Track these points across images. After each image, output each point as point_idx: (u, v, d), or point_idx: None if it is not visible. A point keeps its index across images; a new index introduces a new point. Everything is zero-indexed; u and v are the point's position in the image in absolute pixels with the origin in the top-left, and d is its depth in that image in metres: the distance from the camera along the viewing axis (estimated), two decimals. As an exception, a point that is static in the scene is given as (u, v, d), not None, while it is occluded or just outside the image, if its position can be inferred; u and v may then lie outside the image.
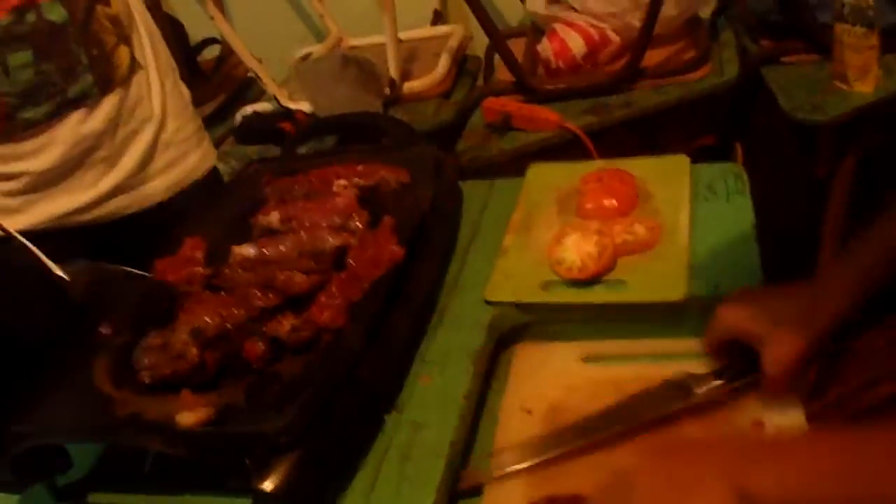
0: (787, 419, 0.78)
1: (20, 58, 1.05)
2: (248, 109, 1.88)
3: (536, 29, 1.87)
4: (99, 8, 1.13)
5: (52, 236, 1.14)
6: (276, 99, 1.87)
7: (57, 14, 1.07)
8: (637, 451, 0.67)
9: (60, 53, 1.08)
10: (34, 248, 0.87)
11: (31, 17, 1.04)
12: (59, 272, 0.85)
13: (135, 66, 1.19)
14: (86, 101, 1.12)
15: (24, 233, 1.11)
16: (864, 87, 1.46)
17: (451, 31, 2.06)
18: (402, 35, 1.89)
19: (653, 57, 1.66)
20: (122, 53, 1.17)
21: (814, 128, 1.47)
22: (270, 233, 1.03)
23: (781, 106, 1.48)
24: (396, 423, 0.83)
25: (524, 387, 0.90)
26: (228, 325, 0.83)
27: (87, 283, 0.85)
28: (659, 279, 0.94)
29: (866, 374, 0.87)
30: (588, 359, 0.92)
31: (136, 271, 0.92)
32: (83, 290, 0.85)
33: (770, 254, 0.98)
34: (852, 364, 0.90)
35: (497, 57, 1.78)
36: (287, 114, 1.80)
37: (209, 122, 1.72)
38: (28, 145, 1.10)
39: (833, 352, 0.84)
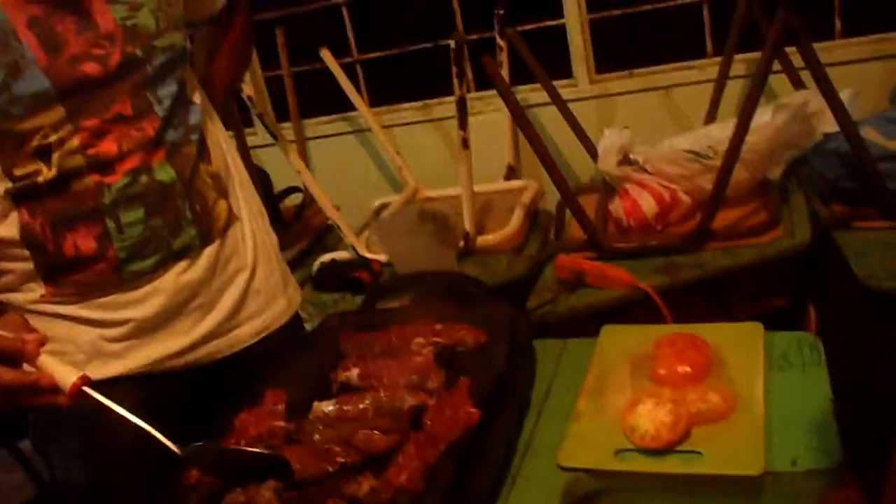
0: None
1: (132, 215, 1.13)
2: (327, 257, 1.96)
3: (608, 187, 1.93)
4: (202, 166, 1.23)
5: (145, 381, 1.20)
6: (353, 248, 1.95)
7: (166, 174, 1.16)
8: None
9: (168, 210, 1.16)
10: (143, 423, 0.91)
11: (143, 178, 1.13)
12: (174, 447, 0.89)
13: (231, 218, 1.27)
14: (188, 252, 1.19)
15: (121, 377, 1.18)
16: (940, 256, 1.47)
17: (525, 186, 2.14)
18: (477, 188, 1.96)
19: (724, 218, 1.69)
20: (222, 207, 1.25)
21: (891, 294, 1.47)
22: (349, 388, 1.06)
23: (855, 272, 1.49)
24: (469, 591, 0.83)
25: (598, 559, 0.89)
26: (310, 483, 0.85)
27: (205, 465, 0.89)
28: (735, 451, 0.93)
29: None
30: (664, 531, 0.91)
31: (257, 451, 0.94)
32: (199, 469, 0.89)
33: (847, 423, 0.97)
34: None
35: (568, 212, 1.84)
36: (364, 263, 1.87)
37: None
38: (133, 295, 1.17)
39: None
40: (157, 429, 0.93)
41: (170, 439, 0.91)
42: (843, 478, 0.91)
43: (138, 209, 1.13)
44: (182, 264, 1.20)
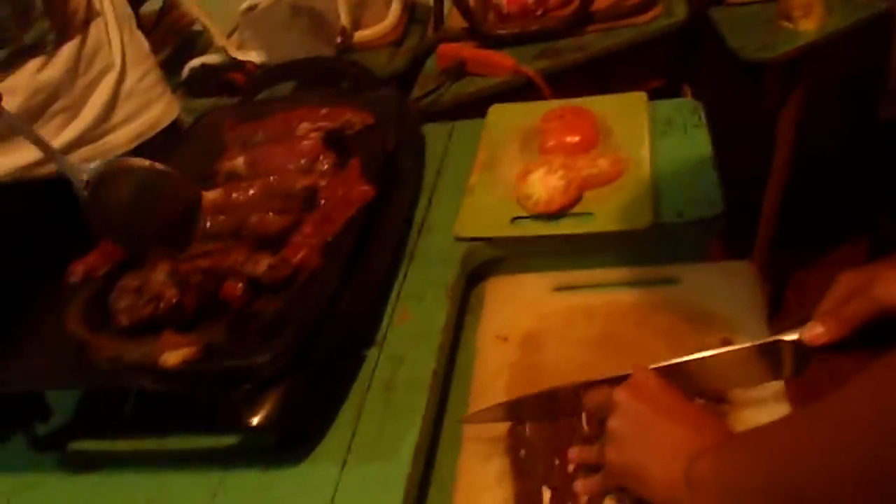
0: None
1: None
2: (197, 62, 1.84)
3: (486, -26, 1.87)
4: None
5: (11, 189, 1.12)
6: (224, 50, 1.84)
7: None
8: (623, 385, 0.70)
9: None
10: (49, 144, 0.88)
11: None
12: (76, 176, 0.86)
13: (91, 12, 1.17)
14: (42, 48, 1.09)
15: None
16: (809, 25, 1.50)
17: (400, -21, 2.04)
18: (351, -17, 1.86)
19: (603, 0, 1.67)
20: None
21: (761, 65, 1.51)
22: (236, 177, 1.02)
23: (730, 45, 1.51)
24: (377, 357, 0.84)
25: (498, 317, 0.92)
26: (205, 265, 0.83)
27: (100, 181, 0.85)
28: (624, 209, 0.96)
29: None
30: (559, 288, 0.94)
31: (159, 166, 0.91)
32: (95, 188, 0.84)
33: (726, 184, 1.01)
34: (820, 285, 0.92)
35: (448, 3, 1.78)
36: (237, 65, 1.77)
37: (156, 76, 1.69)
38: None
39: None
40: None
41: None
42: (725, 226, 0.96)
43: None
44: (37, 61, 1.10)
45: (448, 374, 0.86)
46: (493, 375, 0.84)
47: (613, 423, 0.68)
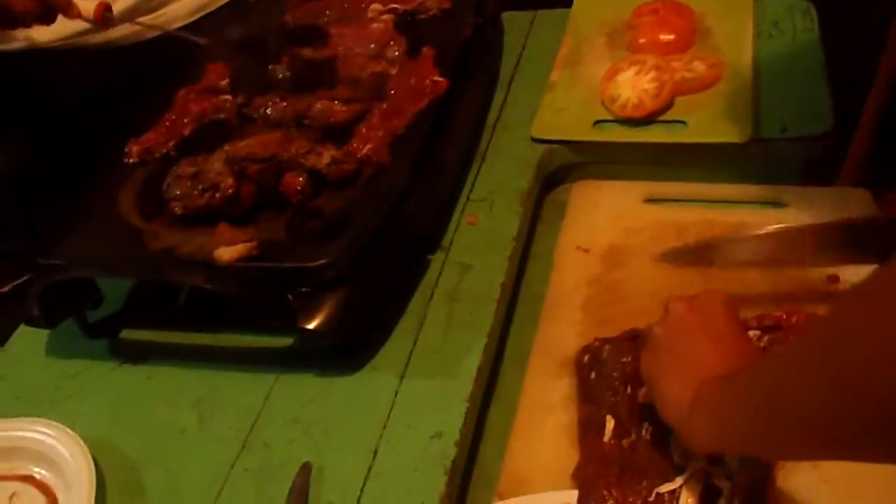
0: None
1: None
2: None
3: None
4: None
5: (64, 56, 1.07)
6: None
7: None
8: (685, 297, 0.64)
9: None
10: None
11: None
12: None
13: None
14: None
15: (33, 51, 1.05)
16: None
17: None
18: None
19: None
20: None
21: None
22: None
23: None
24: (442, 264, 0.79)
25: (579, 227, 0.85)
26: (265, 155, 0.77)
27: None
28: (721, 119, 0.87)
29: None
30: (650, 200, 0.86)
31: None
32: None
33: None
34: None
35: None
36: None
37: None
38: None
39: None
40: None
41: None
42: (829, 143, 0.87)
43: None
44: None
45: (516, 287, 0.81)
46: (571, 289, 0.78)
47: (657, 329, 0.62)
